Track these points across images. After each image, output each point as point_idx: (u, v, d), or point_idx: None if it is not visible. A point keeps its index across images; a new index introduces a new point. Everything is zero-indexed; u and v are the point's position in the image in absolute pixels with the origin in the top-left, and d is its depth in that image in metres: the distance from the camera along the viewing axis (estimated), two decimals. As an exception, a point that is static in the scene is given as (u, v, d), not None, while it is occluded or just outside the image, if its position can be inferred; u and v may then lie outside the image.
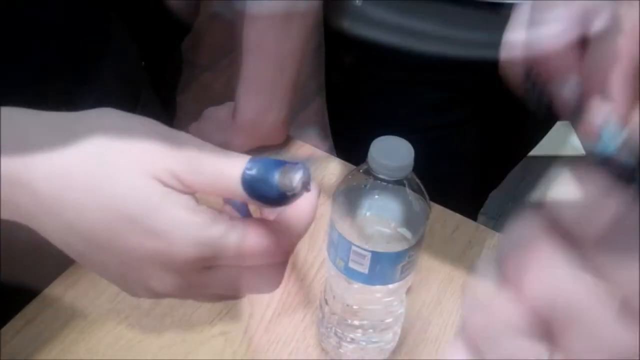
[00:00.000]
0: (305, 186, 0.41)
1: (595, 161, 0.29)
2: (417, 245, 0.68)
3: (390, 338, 0.77)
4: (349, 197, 0.69)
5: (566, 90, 0.52)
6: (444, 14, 0.95)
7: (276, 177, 0.40)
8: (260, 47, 0.91)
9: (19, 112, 0.44)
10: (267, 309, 0.82)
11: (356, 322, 0.75)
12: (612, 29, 0.51)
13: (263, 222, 0.44)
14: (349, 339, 0.76)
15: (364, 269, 0.67)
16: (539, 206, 0.30)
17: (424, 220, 0.68)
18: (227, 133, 0.98)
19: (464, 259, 0.89)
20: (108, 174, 0.42)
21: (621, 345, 0.27)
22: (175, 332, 0.79)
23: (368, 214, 0.69)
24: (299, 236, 0.45)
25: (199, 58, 2.57)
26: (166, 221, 0.41)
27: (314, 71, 1.14)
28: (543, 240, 0.31)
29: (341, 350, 0.77)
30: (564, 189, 0.29)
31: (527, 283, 0.30)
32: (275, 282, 0.47)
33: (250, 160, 0.41)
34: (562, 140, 2.51)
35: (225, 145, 0.45)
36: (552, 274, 0.29)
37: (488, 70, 1.02)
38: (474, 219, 1.25)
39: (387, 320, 0.75)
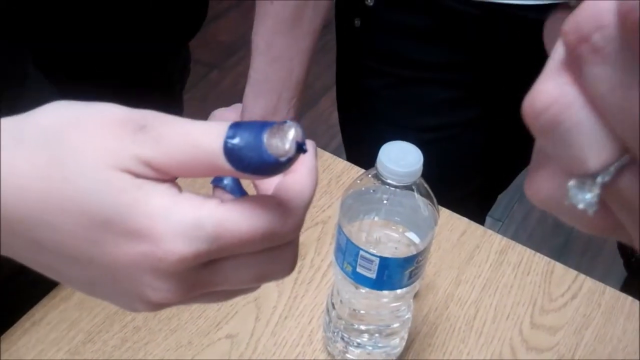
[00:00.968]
0: (300, 147, 0.34)
1: None
2: (425, 250, 0.68)
3: (397, 343, 0.77)
4: (357, 201, 0.68)
5: None
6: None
7: (264, 142, 0.34)
8: (270, 47, 0.90)
9: None
10: (273, 313, 0.82)
11: (363, 327, 0.75)
12: None
13: (262, 198, 0.37)
14: (355, 344, 0.76)
15: (372, 274, 0.67)
16: None
17: (432, 225, 0.68)
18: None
19: (471, 263, 0.88)
20: (67, 175, 0.35)
21: None
22: (181, 334, 0.79)
23: (376, 218, 0.68)
24: (305, 207, 0.38)
25: (206, 56, 2.57)
26: (146, 217, 0.35)
27: (319, 71, 1.13)
28: None
29: (348, 355, 0.76)
30: None
31: None
32: (289, 265, 0.39)
33: (230, 127, 0.35)
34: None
35: None
36: None
37: (498, 69, 1.03)
38: (482, 221, 1.25)
39: (394, 325, 0.75)
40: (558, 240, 2.18)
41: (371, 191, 0.67)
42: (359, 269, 0.68)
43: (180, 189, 0.36)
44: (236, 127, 0.34)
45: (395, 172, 0.63)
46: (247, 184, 0.39)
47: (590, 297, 0.86)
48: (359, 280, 0.69)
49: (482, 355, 0.80)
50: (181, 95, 1.51)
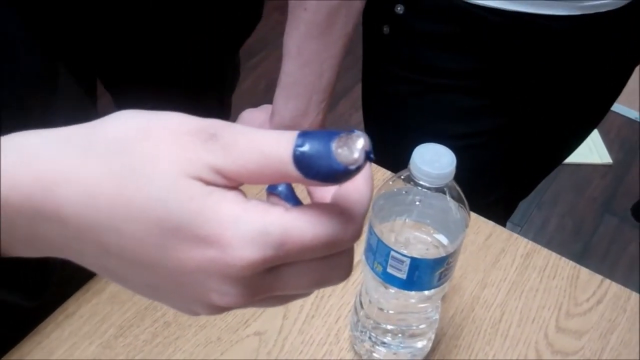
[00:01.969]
0: (368, 155, 0.35)
1: None
2: (456, 252, 0.69)
3: (423, 344, 0.78)
4: (389, 202, 0.69)
5: None
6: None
7: (333, 150, 0.35)
8: (301, 51, 0.92)
9: (27, 137, 0.39)
10: (301, 311, 0.83)
11: (390, 327, 0.76)
12: None
13: (325, 206, 0.38)
14: (382, 343, 0.77)
15: (402, 275, 0.68)
16: None
17: (463, 228, 0.69)
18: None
19: (497, 266, 0.89)
20: (139, 184, 0.36)
21: None
22: (211, 330, 0.80)
23: (407, 220, 0.69)
24: (364, 215, 0.39)
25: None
26: (215, 223, 0.35)
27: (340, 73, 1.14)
28: None
29: (374, 355, 0.77)
30: None
31: None
32: (346, 272, 0.40)
33: (299, 136, 0.35)
34: (587, 148, 2.50)
35: None
36: None
37: (524, 77, 1.03)
38: (503, 226, 1.26)
39: (421, 326, 0.76)
40: (577, 246, 2.18)
41: (403, 192, 0.68)
42: (389, 269, 0.69)
43: (245, 195, 0.37)
44: (305, 135, 0.35)
45: (428, 174, 0.64)
46: (300, 191, 0.40)
47: (616, 302, 0.86)
48: (389, 280, 0.69)
49: (507, 357, 0.80)
50: (230, 98, 1.52)
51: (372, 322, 0.76)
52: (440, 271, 0.68)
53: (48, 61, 0.77)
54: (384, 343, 0.77)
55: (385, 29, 1.02)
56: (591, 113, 1.16)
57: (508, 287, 0.87)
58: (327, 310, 0.84)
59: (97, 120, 0.38)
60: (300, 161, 0.35)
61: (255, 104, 1.11)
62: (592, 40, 0.98)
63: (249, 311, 0.82)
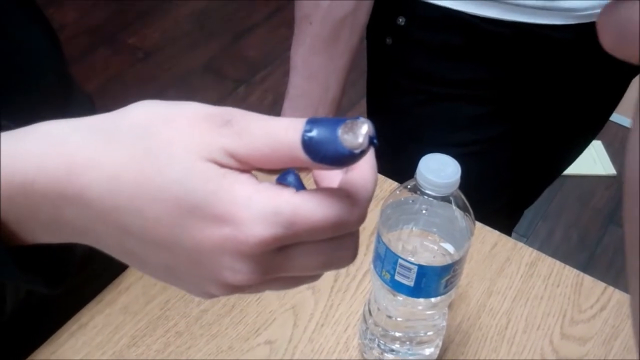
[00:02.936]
0: (372, 140, 0.37)
1: None
2: (461, 260, 0.70)
3: (431, 351, 0.79)
4: (396, 211, 0.71)
5: None
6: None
7: (339, 135, 0.37)
8: (307, 65, 0.94)
9: (54, 125, 0.41)
10: (310, 320, 0.85)
11: (399, 334, 0.77)
12: None
13: (332, 190, 0.40)
14: (391, 351, 0.78)
15: (410, 282, 0.70)
16: None
17: (468, 236, 0.70)
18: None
19: (502, 274, 0.91)
20: (159, 166, 0.38)
21: None
22: (222, 340, 0.82)
23: (415, 228, 0.71)
24: (369, 199, 0.41)
25: (234, 72, 2.61)
26: (229, 203, 0.38)
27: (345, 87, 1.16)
28: None
29: (383, 361, 0.79)
30: None
31: None
32: (352, 254, 0.42)
33: (308, 122, 0.38)
34: (592, 159, 2.52)
35: None
36: None
37: (527, 86, 1.05)
38: (508, 235, 1.27)
39: (429, 333, 0.78)
40: (582, 256, 2.19)
41: (410, 201, 0.70)
42: (397, 277, 0.70)
43: (257, 178, 0.39)
44: (313, 122, 0.38)
45: (434, 183, 0.66)
46: (308, 182, 0.42)
47: (619, 308, 0.88)
48: (397, 287, 0.71)
49: (513, 363, 0.82)
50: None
51: (380, 329, 0.77)
52: (446, 278, 0.70)
53: (62, 72, 0.79)
54: (393, 350, 0.78)
55: (388, 40, 1.04)
56: (592, 121, 1.18)
57: (514, 294, 0.89)
58: (336, 318, 0.85)
59: (119, 110, 0.41)
60: (309, 145, 0.37)
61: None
62: (591, 49, 1.00)
63: (260, 320, 0.84)
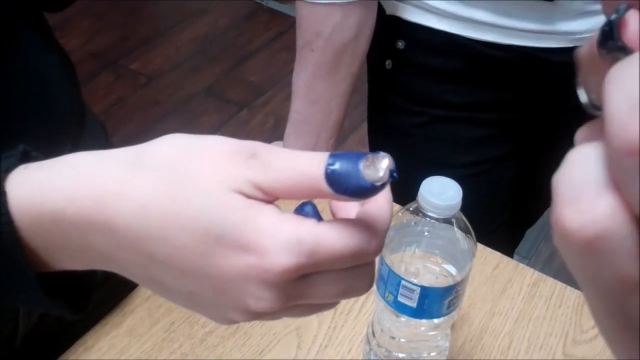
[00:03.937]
0: (392, 174, 0.39)
1: None
2: (464, 281, 0.71)
3: (434, 371, 0.80)
4: (399, 233, 0.72)
5: None
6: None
7: (361, 169, 0.38)
8: (310, 90, 0.95)
9: (83, 156, 0.43)
10: (314, 341, 0.85)
11: (402, 355, 0.78)
12: None
13: (351, 221, 0.41)
14: (394, 371, 0.79)
15: (413, 303, 0.70)
16: None
17: (470, 257, 0.71)
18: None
19: (504, 295, 0.91)
20: (187, 196, 0.40)
21: None
22: (227, 361, 0.83)
23: (417, 250, 0.72)
24: (386, 230, 0.43)
25: (236, 96, 2.63)
26: (255, 232, 0.39)
27: (347, 110, 1.17)
28: None
29: (387, 382, 0.79)
30: None
31: None
32: (368, 283, 0.44)
33: (330, 156, 0.39)
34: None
35: None
36: None
37: (526, 108, 1.06)
38: (510, 257, 1.28)
39: (432, 354, 0.78)
40: (584, 278, 2.19)
41: (412, 224, 0.71)
42: (400, 298, 0.71)
43: (280, 209, 0.41)
44: (335, 156, 0.40)
45: (436, 206, 0.67)
46: (326, 215, 0.43)
47: (621, 329, 0.88)
48: (400, 308, 0.72)
49: (516, 384, 0.82)
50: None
51: (384, 350, 0.78)
52: (449, 299, 0.71)
53: (77, 99, 0.80)
54: (396, 371, 0.79)
55: (388, 64, 1.06)
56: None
57: (516, 315, 0.89)
58: (339, 340, 0.86)
59: (146, 143, 0.42)
60: (331, 178, 0.39)
61: (264, 141, 1.13)
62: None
63: (264, 342, 0.84)
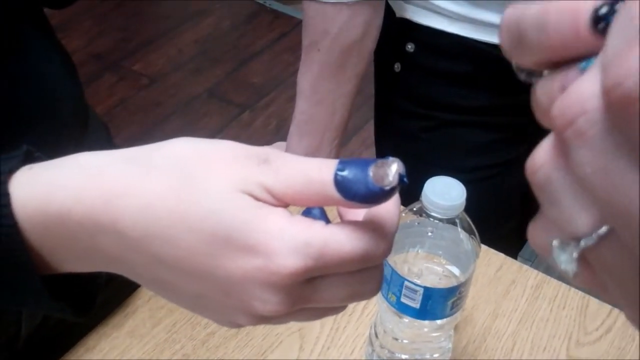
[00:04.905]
0: (402, 179, 0.39)
1: None
2: (467, 282, 0.71)
3: (437, 373, 0.79)
4: (402, 234, 0.71)
5: None
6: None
7: (371, 174, 0.38)
8: (315, 91, 0.95)
9: (90, 155, 0.42)
10: (316, 343, 0.85)
11: (405, 357, 0.78)
12: None
13: (359, 224, 0.41)
14: (397, 373, 0.78)
15: (416, 304, 0.70)
16: None
17: (473, 258, 0.71)
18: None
19: (508, 297, 0.91)
20: (195, 196, 0.39)
21: None
22: (229, 362, 0.82)
23: (420, 251, 0.72)
24: (394, 233, 0.42)
25: (238, 98, 2.63)
26: (263, 233, 0.39)
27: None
28: None
29: (389, 384, 0.79)
30: None
31: None
32: (376, 286, 0.43)
33: (340, 162, 0.39)
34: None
35: None
36: None
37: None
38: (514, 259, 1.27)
39: (435, 355, 0.78)
40: (587, 280, 2.19)
41: (416, 224, 0.70)
42: (403, 299, 0.71)
43: (290, 213, 0.40)
44: (345, 162, 0.39)
45: (440, 206, 0.67)
46: (333, 217, 0.43)
47: (625, 330, 0.88)
48: (403, 310, 0.71)
49: (520, 386, 0.82)
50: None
51: (387, 352, 0.78)
52: (452, 300, 0.70)
53: (80, 100, 0.80)
54: (399, 373, 0.78)
55: (397, 67, 1.05)
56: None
57: (519, 317, 0.89)
58: (342, 341, 0.85)
59: (156, 143, 0.42)
60: (341, 184, 0.39)
61: (267, 143, 1.13)
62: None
63: (266, 343, 0.84)
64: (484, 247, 0.96)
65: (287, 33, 2.91)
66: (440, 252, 0.72)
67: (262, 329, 0.85)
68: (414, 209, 0.70)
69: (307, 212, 0.42)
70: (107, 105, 2.53)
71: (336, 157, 1.01)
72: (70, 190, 0.41)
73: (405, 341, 0.76)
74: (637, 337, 0.87)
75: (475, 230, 0.70)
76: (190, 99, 2.61)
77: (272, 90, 2.65)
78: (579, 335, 0.87)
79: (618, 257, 0.26)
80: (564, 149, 0.27)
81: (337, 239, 0.39)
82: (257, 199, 0.39)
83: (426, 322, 0.72)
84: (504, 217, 1.16)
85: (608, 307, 0.91)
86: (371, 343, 0.80)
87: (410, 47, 1.02)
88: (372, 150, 1.23)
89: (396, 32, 1.02)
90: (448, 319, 0.72)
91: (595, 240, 0.26)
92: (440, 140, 1.08)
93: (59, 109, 0.75)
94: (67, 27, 2.73)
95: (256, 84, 2.69)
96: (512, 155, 1.09)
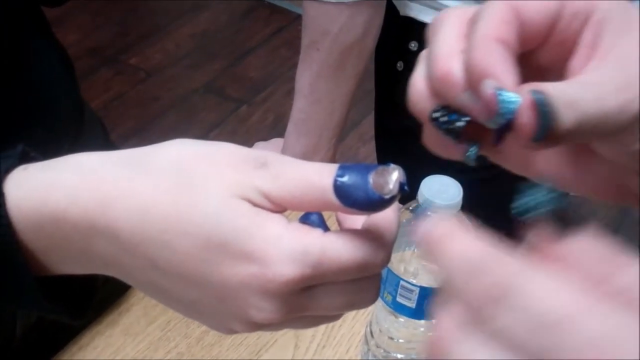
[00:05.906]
0: (402, 187, 0.38)
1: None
2: (463, 281, 0.70)
3: (433, 372, 0.79)
4: (398, 233, 0.71)
5: None
6: None
7: (371, 181, 0.37)
8: (313, 90, 0.94)
9: (86, 156, 0.42)
10: (312, 341, 0.84)
11: (401, 356, 0.77)
12: None
13: (358, 232, 0.40)
14: (393, 372, 0.78)
15: (412, 304, 0.70)
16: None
17: (470, 257, 0.70)
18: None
19: (504, 296, 0.90)
20: (192, 200, 0.38)
21: None
22: (223, 361, 0.82)
23: (416, 250, 0.71)
24: (393, 242, 0.41)
25: (236, 92, 2.62)
26: (260, 240, 0.38)
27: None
28: None
29: (385, 383, 0.79)
30: None
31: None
32: (374, 295, 0.42)
33: (340, 168, 0.38)
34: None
35: None
36: None
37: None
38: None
39: (431, 355, 0.77)
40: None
41: (412, 223, 0.70)
42: (399, 299, 0.70)
43: (288, 219, 0.40)
44: (345, 168, 0.38)
45: (436, 205, 0.66)
46: (330, 224, 0.42)
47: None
48: (399, 309, 0.71)
49: (516, 385, 0.81)
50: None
51: (382, 351, 0.77)
52: (448, 300, 0.70)
53: (76, 97, 0.80)
54: (394, 372, 0.78)
55: (399, 65, 1.04)
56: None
57: (516, 316, 0.88)
58: (337, 340, 0.85)
59: (152, 145, 0.41)
60: (340, 190, 0.38)
61: (263, 138, 1.13)
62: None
63: (261, 341, 0.83)
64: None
65: (284, 27, 2.90)
66: (437, 251, 0.71)
67: (257, 328, 0.85)
68: (410, 207, 0.70)
69: (306, 218, 0.41)
70: (103, 100, 2.52)
71: (334, 156, 1.01)
72: (65, 191, 0.40)
73: (400, 340, 0.76)
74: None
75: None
76: (187, 93, 2.60)
77: (269, 84, 2.64)
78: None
79: None
80: None
81: (335, 247, 0.38)
82: (254, 204, 0.39)
83: (422, 321, 0.72)
84: (501, 218, 1.15)
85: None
86: (367, 342, 0.79)
87: (413, 45, 1.01)
88: (369, 146, 1.23)
89: (399, 30, 1.01)
90: (444, 318, 0.72)
91: None
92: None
93: (55, 106, 0.74)
94: (63, 21, 2.72)
95: (253, 78, 2.68)
96: None
